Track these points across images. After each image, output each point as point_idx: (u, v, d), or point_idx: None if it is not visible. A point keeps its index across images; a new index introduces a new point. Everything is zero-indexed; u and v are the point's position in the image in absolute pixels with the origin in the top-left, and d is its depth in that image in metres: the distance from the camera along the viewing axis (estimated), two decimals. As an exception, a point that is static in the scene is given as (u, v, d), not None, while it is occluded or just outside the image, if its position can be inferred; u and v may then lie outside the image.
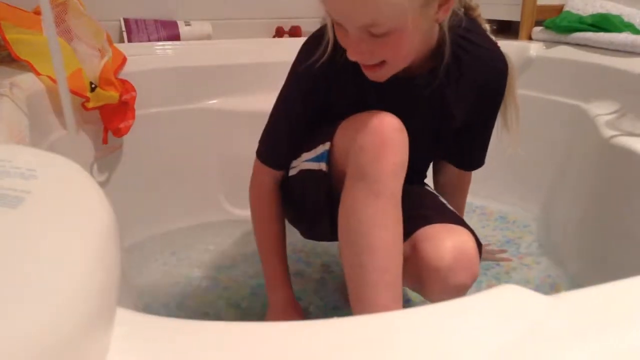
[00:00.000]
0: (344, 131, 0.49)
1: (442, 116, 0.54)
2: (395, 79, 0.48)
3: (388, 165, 0.44)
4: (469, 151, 0.61)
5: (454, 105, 0.53)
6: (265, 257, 0.58)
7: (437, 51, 0.49)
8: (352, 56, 0.45)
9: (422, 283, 0.49)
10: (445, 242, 0.48)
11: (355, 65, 0.48)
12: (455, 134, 0.57)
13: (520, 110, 0.56)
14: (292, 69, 0.54)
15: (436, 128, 0.55)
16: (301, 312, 0.58)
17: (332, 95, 0.52)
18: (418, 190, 0.60)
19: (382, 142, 0.44)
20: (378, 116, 0.46)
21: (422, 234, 0.50)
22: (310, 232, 0.60)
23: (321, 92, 0.52)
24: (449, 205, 0.57)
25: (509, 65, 0.54)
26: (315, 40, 0.51)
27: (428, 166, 0.64)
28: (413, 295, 0.69)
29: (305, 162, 0.53)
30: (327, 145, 0.51)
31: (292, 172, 0.56)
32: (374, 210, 0.43)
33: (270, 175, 0.57)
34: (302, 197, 0.55)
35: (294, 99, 0.54)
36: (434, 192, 0.61)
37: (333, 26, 0.46)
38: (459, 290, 0.48)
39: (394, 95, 0.51)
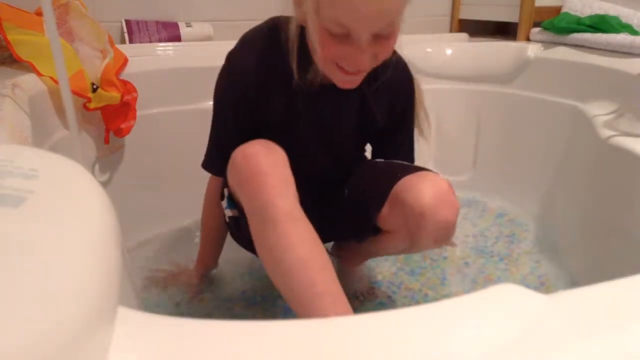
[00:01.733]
0: (229, 176, 0.53)
1: (365, 117, 0.58)
2: (322, 86, 0.52)
3: (269, 190, 0.45)
4: (397, 152, 0.63)
5: (374, 105, 0.57)
6: (203, 241, 0.68)
7: None
8: (358, 65, 0.47)
9: (413, 234, 0.52)
10: (421, 187, 0.51)
11: (286, 75, 0.51)
12: (380, 136, 0.61)
13: (430, 118, 0.63)
14: (221, 77, 0.57)
15: (361, 129, 0.59)
16: (196, 285, 0.69)
17: (262, 100, 0.54)
18: (371, 166, 0.63)
19: (253, 173, 0.46)
20: (242, 150, 0.48)
21: (397, 190, 0.53)
22: None
23: (251, 98, 0.54)
24: (406, 163, 0.60)
25: (414, 79, 0.60)
26: (244, 52, 0.54)
27: (362, 154, 0.66)
28: (417, 292, 0.69)
29: (225, 209, 0.57)
30: (225, 191, 0.56)
31: (226, 220, 0.59)
32: (276, 237, 0.45)
33: (216, 179, 0.62)
34: (239, 240, 0.61)
35: (225, 106, 0.57)
36: (388, 160, 0.63)
37: (320, 43, 0.47)
38: (448, 228, 0.51)
39: (322, 101, 0.55)
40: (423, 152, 0.61)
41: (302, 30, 0.51)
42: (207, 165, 0.62)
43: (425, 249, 0.55)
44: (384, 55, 0.48)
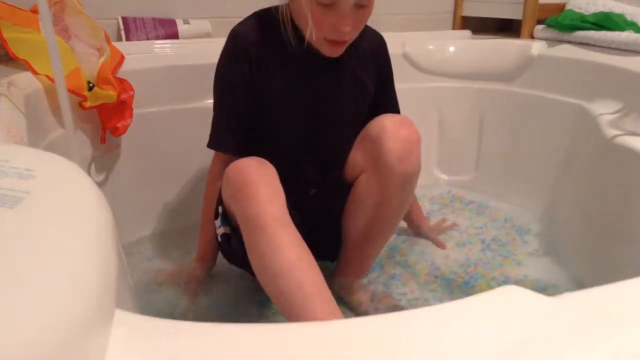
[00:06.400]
0: (223, 191, 0.57)
1: (357, 86, 0.64)
2: (317, 61, 0.58)
3: (259, 197, 0.49)
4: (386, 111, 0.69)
5: (363, 74, 0.63)
6: (204, 237, 0.68)
7: None
8: (342, 32, 0.53)
9: (376, 156, 0.57)
10: (381, 118, 0.60)
11: (283, 52, 0.57)
12: (372, 105, 0.66)
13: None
14: (225, 52, 0.60)
15: (356, 100, 0.64)
16: (198, 282, 0.68)
17: (263, 75, 0.58)
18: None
19: (244, 183, 0.50)
20: (234, 165, 0.53)
21: (366, 131, 0.61)
22: None
23: (254, 69, 0.58)
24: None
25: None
26: (245, 27, 0.60)
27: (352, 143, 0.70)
28: (423, 291, 0.69)
29: (218, 229, 0.60)
30: (220, 209, 0.59)
31: (218, 239, 0.62)
32: (266, 240, 0.48)
33: (221, 160, 0.63)
34: (231, 258, 0.64)
35: (232, 77, 0.60)
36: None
37: (311, 13, 0.53)
38: (410, 143, 0.57)
39: (319, 75, 0.60)
40: (425, 151, 0.61)
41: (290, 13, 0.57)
42: (214, 143, 0.63)
43: (392, 176, 0.57)
44: (362, 24, 0.55)
